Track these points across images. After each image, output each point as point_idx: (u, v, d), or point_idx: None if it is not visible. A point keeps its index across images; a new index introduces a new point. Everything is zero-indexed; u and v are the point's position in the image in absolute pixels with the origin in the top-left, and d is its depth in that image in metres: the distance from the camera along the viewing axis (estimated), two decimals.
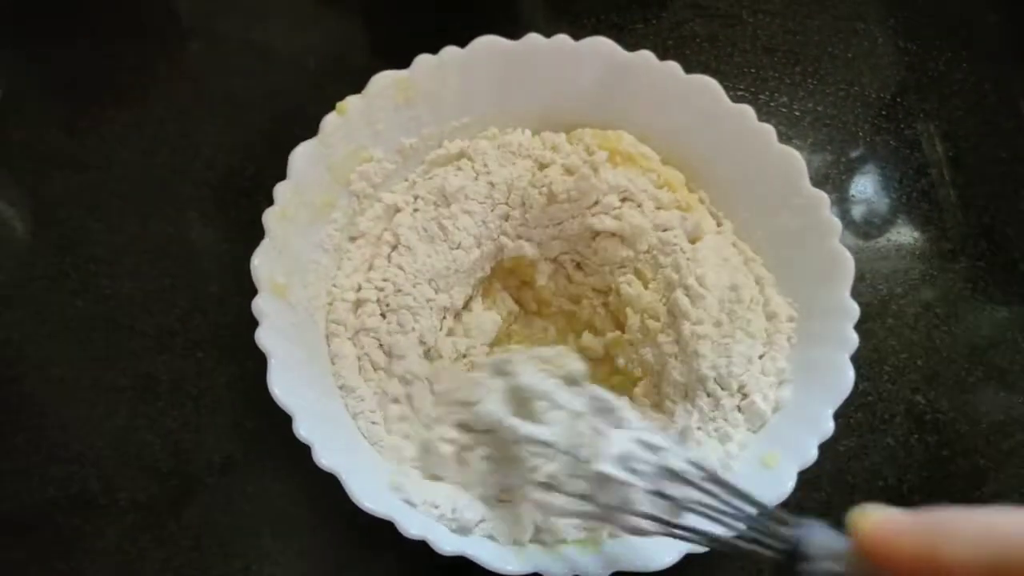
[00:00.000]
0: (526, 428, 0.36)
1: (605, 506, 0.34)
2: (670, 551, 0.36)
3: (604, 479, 0.33)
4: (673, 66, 0.45)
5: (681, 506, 0.33)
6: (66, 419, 0.46)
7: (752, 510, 0.31)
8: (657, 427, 0.38)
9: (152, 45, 0.56)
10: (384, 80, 0.44)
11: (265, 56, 0.55)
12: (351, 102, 0.44)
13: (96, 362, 0.47)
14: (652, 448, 0.34)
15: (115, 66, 0.55)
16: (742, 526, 0.31)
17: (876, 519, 0.24)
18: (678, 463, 0.33)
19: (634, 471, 0.33)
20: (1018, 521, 0.22)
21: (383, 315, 0.43)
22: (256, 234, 0.41)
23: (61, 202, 0.51)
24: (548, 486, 0.35)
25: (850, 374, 0.39)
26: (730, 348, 0.42)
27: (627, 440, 0.34)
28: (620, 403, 0.36)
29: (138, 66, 0.55)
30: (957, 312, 0.51)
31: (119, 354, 0.47)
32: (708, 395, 0.42)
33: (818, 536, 0.28)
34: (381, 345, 0.43)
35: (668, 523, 0.33)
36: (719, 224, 0.46)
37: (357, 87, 0.44)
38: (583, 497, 0.34)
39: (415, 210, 0.46)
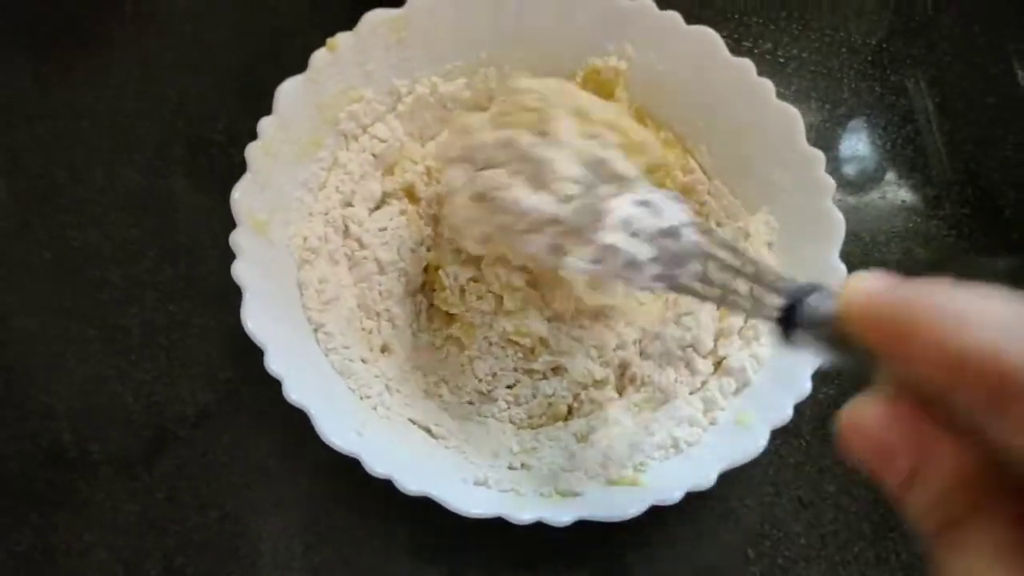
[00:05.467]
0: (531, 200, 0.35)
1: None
2: (636, 503, 0.36)
3: (610, 249, 0.34)
4: (673, 16, 0.44)
5: (682, 266, 0.34)
6: (34, 372, 0.45)
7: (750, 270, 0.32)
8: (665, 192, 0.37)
9: None
10: (376, 18, 0.43)
11: None
12: (342, 39, 0.43)
13: (64, 314, 0.46)
14: (652, 208, 0.34)
15: (78, 10, 0.53)
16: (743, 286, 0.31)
17: (863, 285, 0.22)
18: (676, 221, 0.34)
19: (636, 234, 0.34)
20: (992, 318, 0.18)
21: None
22: (228, 183, 0.40)
23: (26, 152, 0.49)
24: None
25: None
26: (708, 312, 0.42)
27: (628, 204, 0.34)
28: (627, 167, 0.36)
29: (102, 10, 0.53)
30: (940, 259, 0.50)
31: (88, 306, 0.46)
32: (688, 362, 0.42)
33: (813, 300, 0.27)
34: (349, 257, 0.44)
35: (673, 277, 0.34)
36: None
37: (329, 33, 0.43)
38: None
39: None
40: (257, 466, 0.44)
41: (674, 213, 0.34)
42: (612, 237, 0.34)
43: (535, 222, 0.35)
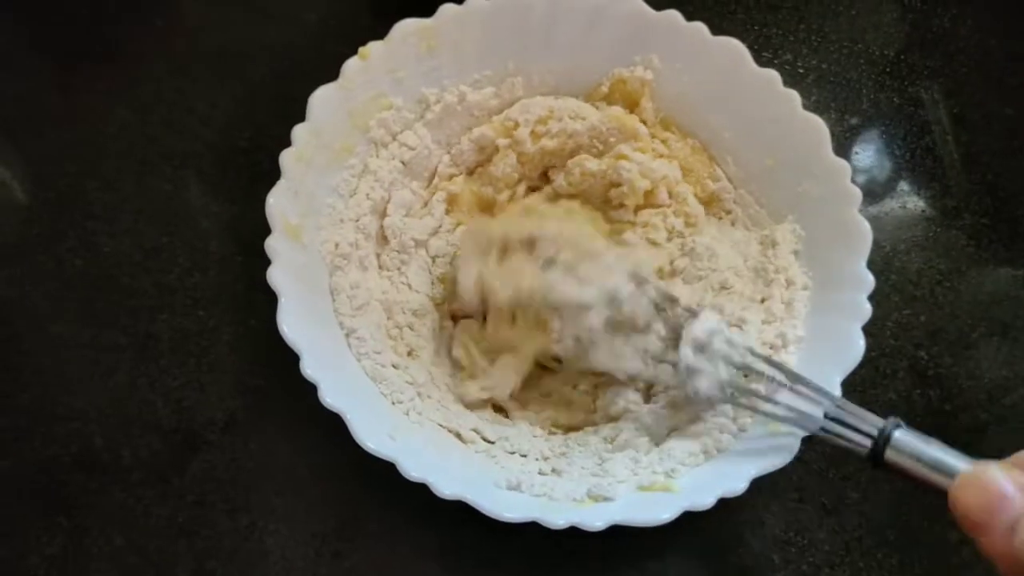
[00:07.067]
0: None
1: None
2: (669, 508, 0.36)
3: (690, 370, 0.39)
4: (700, 27, 0.45)
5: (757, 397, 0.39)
6: (67, 378, 0.45)
7: (827, 403, 0.37)
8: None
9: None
10: (407, 28, 0.44)
11: (263, 11, 0.54)
12: (373, 47, 0.44)
13: (96, 321, 0.46)
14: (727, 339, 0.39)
15: (108, 22, 0.54)
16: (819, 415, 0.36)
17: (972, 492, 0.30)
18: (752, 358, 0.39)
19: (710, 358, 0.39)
20: None
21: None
22: (255, 192, 0.41)
23: (57, 161, 0.50)
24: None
25: (860, 344, 0.39)
26: (746, 318, 0.43)
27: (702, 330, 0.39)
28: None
29: (132, 21, 0.54)
30: (960, 268, 0.51)
31: (119, 312, 0.47)
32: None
33: (901, 432, 0.33)
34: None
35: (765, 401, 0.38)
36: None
37: (358, 45, 0.44)
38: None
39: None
40: (286, 471, 0.44)
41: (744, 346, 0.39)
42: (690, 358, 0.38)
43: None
